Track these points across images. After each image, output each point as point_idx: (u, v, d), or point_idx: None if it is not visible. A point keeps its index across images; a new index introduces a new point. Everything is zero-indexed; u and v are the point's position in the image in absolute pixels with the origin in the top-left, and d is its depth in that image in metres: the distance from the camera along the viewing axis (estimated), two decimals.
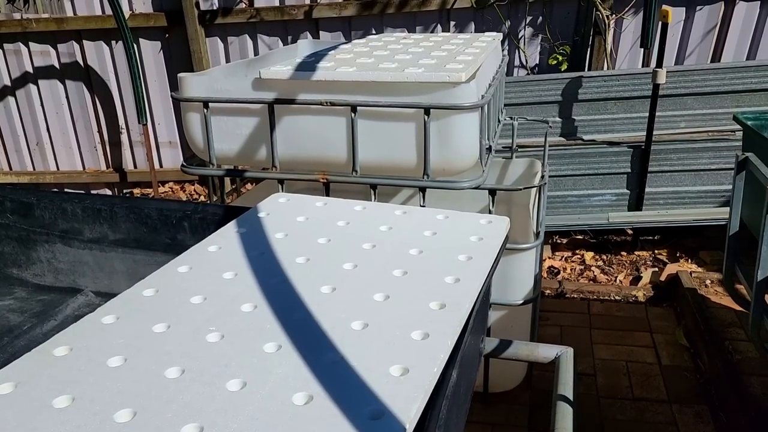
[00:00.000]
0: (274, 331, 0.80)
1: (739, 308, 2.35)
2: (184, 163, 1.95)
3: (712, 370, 2.10)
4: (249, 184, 3.36)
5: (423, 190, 1.75)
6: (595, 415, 1.97)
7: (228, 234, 1.19)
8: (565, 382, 1.35)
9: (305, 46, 2.62)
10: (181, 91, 1.82)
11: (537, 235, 1.91)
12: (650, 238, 3.06)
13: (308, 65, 1.82)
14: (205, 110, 1.80)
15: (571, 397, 1.29)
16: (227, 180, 2.58)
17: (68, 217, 1.62)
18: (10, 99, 3.94)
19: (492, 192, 1.79)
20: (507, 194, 2.30)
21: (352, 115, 1.70)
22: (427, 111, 1.64)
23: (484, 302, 1.34)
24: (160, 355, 0.76)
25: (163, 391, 0.69)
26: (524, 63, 3.40)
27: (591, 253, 3.00)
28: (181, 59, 3.62)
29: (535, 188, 1.99)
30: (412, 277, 0.99)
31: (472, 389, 1.43)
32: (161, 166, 3.96)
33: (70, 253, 1.66)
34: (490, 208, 1.81)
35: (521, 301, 1.89)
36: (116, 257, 1.63)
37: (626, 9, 3.19)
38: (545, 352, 1.44)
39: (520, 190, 1.86)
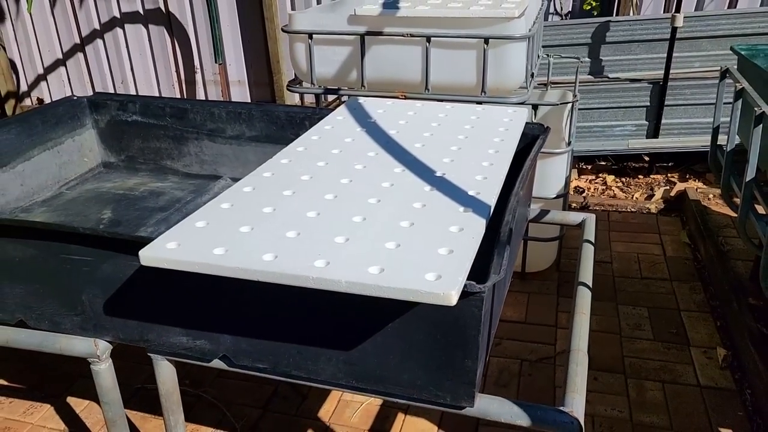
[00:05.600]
0: (363, 202, 1.21)
1: (733, 215, 2.83)
2: (290, 85, 2.46)
3: (706, 257, 2.60)
4: None
5: (480, 104, 2.23)
6: (610, 289, 2.49)
7: (319, 131, 1.67)
8: (586, 266, 1.74)
9: None
10: (290, 26, 2.31)
11: (568, 143, 2.40)
12: (665, 164, 3.52)
13: (391, 5, 2.29)
14: (310, 41, 2.29)
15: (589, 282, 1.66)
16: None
17: (215, 119, 2.14)
18: (99, 41, 4.47)
19: (534, 107, 2.27)
20: (544, 114, 2.77)
21: (427, 44, 2.18)
22: (486, 41, 2.11)
23: (530, 179, 1.87)
24: (297, 205, 1.20)
25: (311, 222, 1.13)
26: (558, 10, 3.80)
27: (612, 177, 3.48)
28: (252, 5, 4.09)
29: (568, 105, 2.46)
30: (466, 151, 1.52)
31: (520, 238, 1.96)
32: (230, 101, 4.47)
33: (214, 148, 2.19)
34: (533, 120, 2.30)
35: (554, 195, 2.40)
36: (250, 150, 2.15)
37: None
38: (574, 217, 1.96)
39: (557, 105, 2.35)
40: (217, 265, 1.02)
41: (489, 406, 1.19)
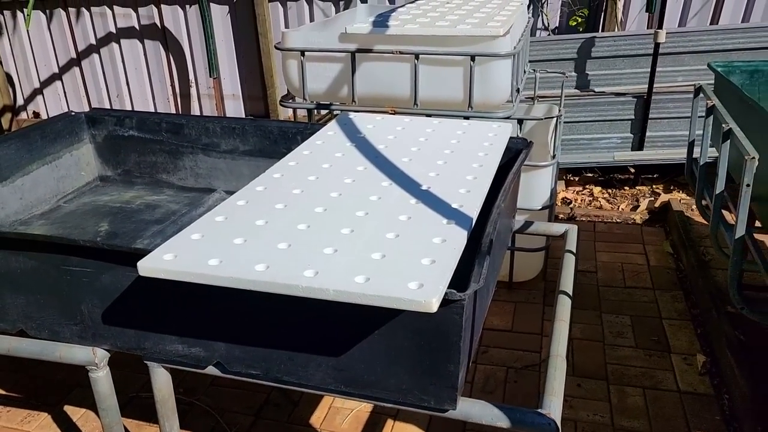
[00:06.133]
0: (351, 215, 1.27)
1: None
2: (282, 100, 2.53)
3: (688, 267, 2.67)
4: None
5: (467, 118, 2.31)
6: (594, 298, 2.55)
7: (310, 146, 1.72)
8: (567, 275, 1.80)
9: (363, 10, 3.16)
10: (283, 43, 2.38)
11: (553, 156, 2.47)
12: (650, 176, 3.60)
13: (380, 23, 2.37)
14: (302, 58, 2.36)
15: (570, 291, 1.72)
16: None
17: (209, 134, 2.20)
18: (95, 56, 4.53)
19: (520, 121, 2.35)
20: (530, 128, 2.85)
21: (415, 61, 2.25)
22: (473, 58, 2.19)
23: (513, 191, 1.93)
24: (288, 218, 1.26)
25: (301, 234, 1.19)
26: (546, 25, 3.90)
27: (599, 188, 3.56)
28: (245, 22, 4.17)
29: (552, 121, 2.54)
30: (451, 165, 1.58)
31: (504, 249, 2.02)
32: (225, 115, 4.53)
33: (208, 162, 2.25)
34: (518, 134, 2.37)
35: (540, 207, 2.47)
36: (244, 164, 2.21)
37: None
38: (557, 228, 2.02)
39: (542, 119, 2.42)
40: (211, 276, 1.08)
41: (471, 409, 1.25)
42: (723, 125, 1.66)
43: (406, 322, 1.17)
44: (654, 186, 3.52)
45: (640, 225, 3.17)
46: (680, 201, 3.18)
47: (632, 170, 3.62)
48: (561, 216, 3.22)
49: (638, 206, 3.34)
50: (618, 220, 3.20)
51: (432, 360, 1.19)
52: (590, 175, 3.67)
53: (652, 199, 3.36)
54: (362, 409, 2.02)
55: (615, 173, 3.64)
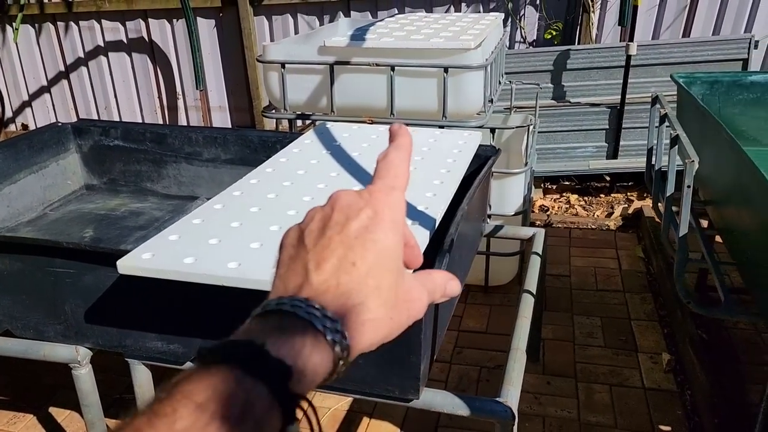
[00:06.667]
0: None
1: None
2: (264, 111, 2.61)
3: (657, 270, 2.77)
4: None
5: (442, 127, 2.40)
6: (567, 300, 2.64)
7: (287, 154, 1.80)
8: (532, 275, 1.90)
9: (345, 23, 3.26)
10: (264, 56, 2.47)
11: (526, 163, 2.56)
12: (625, 184, 3.71)
13: (358, 36, 2.46)
14: (283, 70, 2.45)
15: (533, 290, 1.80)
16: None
17: (192, 144, 2.28)
18: (83, 69, 4.61)
19: (492, 130, 2.44)
20: (506, 138, 2.95)
21: (392, 73, 2.34)
22: (446, 70, 2.28)
23: (481, 196, 2.02)
24: (261, 220, 1.31)
25: (273, 235, 1.24)
26: (524, 38, 4.02)
27: (575, 196, 3.66)
28: (232, 35, 4.26)
29: (525, 129, 2.63)
30: (420, 170, 1.66)
31: (473, 253, 2.10)
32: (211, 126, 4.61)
33: (191, 170, 2.32)
34: (491, 143, 2.46)
35: (513, 212, 2.55)
36: (225, 172, 2.29)
37: None
38: (525, 231, 2.11)
39: (512, 128, 2.52)
40: (186, 273, 1.16)
41: (433, 398, 1.32)
42: (671, 132, 1.76)
43: None
44: (629, 193, 3.62)
45: (614, 231, 3.27)
46: (652, 207, 3.28)
47: (608, 178, 3.73)
48: (538, 223, 3.31)
49: (613, 213, 3.43)
50: (593, 227, 3.30)
51: (395, 353, 1.27)
52: (567, 183, 3.77)
53: (626, 206, 3.46)
54: (339, 408, 2.09)
55: (591, 181, 3.75)
